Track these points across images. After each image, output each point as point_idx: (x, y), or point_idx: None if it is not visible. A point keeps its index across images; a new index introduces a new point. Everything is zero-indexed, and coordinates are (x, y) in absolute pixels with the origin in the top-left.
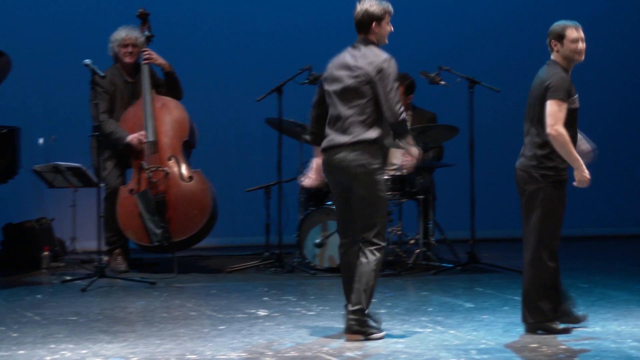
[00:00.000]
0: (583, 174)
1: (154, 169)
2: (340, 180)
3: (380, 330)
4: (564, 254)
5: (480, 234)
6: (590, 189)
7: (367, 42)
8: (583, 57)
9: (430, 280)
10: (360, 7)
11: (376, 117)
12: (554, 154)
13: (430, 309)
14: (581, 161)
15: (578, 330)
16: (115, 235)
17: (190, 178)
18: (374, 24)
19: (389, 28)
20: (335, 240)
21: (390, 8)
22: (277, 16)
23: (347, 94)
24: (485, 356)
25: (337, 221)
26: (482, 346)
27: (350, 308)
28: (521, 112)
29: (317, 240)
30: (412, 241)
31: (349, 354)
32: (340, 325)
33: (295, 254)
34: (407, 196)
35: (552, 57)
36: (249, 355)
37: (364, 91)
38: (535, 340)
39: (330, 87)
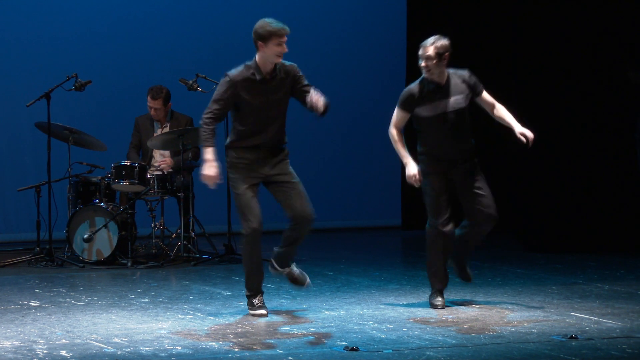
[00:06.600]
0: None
1: None
2: None
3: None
4: (313, 245)
5: (236, 227)
6: (338, 185)
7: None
8: (428, 74)
9: (191, 271)
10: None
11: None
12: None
13: (192, 297)
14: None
15: (324, 314)
16: None
17: None
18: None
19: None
20: (101, 235)
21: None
22: (46, 25)
23: None
24: (241, 339)
25: None
26: (239, 330)
27: None
28: None
29: (86, 236)
30: (174, 235)
31: (116, 340)
32: (108, 313)
33: (65, 249)
34: (168, 193)
35: None
36: (22, 344)
37: None
38: (286, 324)
39: None
